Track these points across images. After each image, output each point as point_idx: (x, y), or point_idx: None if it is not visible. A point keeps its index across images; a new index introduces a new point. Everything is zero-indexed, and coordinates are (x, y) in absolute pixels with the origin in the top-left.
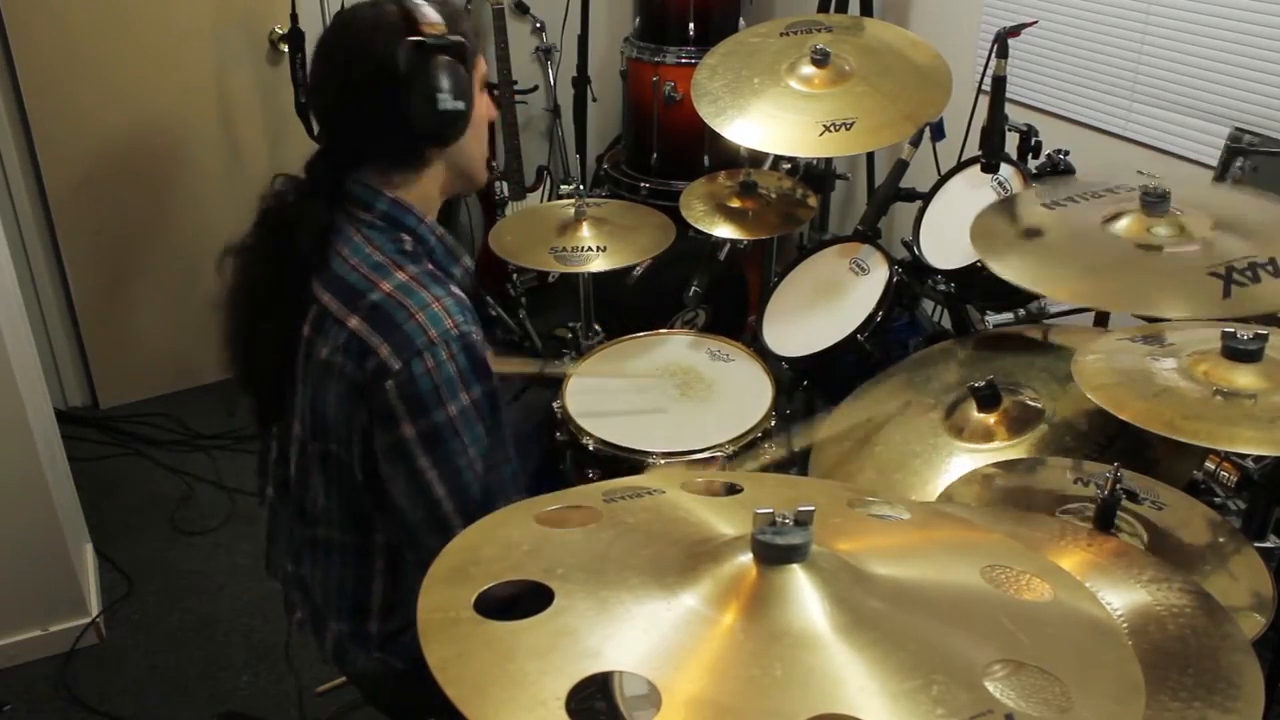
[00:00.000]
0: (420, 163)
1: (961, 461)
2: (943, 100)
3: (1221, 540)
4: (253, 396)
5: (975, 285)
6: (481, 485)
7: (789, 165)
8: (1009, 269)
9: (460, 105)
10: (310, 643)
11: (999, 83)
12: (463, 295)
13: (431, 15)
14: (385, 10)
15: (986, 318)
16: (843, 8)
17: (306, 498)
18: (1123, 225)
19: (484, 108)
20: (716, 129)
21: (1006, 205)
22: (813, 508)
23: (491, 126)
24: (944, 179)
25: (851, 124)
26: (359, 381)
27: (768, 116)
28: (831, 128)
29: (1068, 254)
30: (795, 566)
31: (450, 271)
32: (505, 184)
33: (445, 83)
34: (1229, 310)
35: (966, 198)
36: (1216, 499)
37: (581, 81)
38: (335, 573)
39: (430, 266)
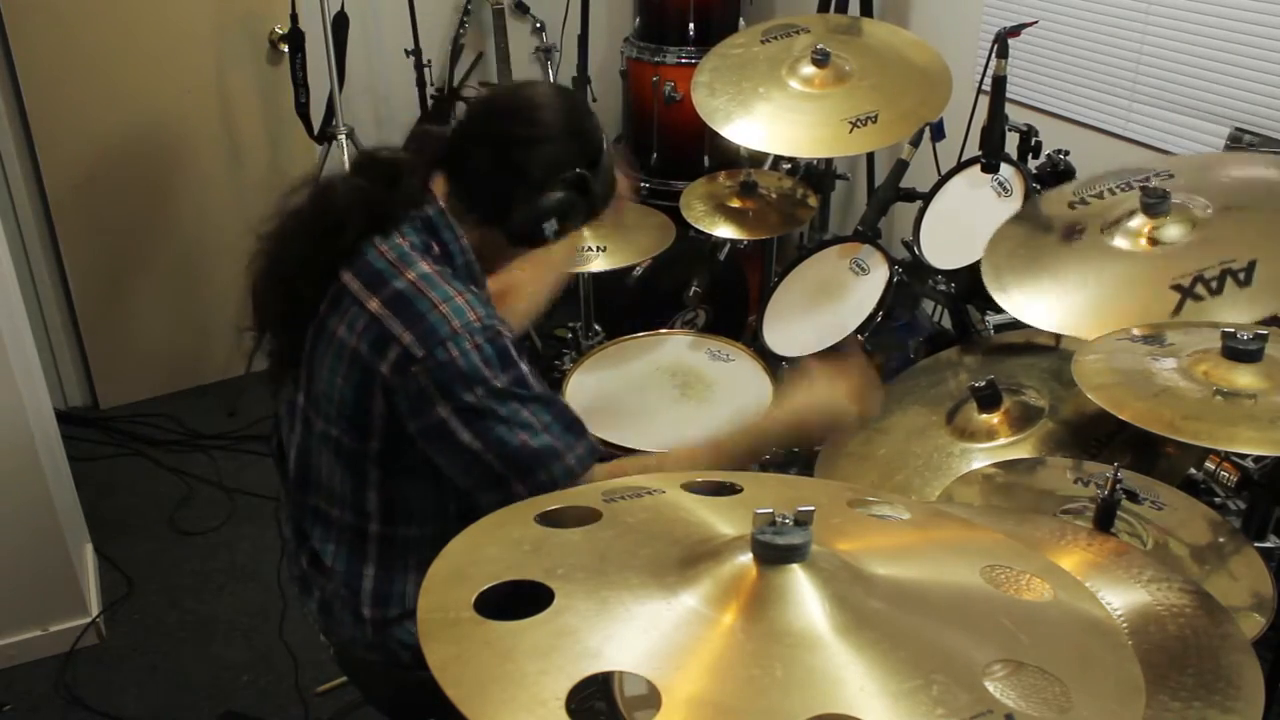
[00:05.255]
0: (479, 222)
1: (963, 462)
2: (945, 87)
3: (1221, 540)
4: (276, 336)
5: (975, 285)
6: (529, 451)
7: (789, 165)
8: (1014, 306)
9: (549, 237)
10: (312, 642)
11: (999, 83)
12: (485, 295)
13: (604, 168)
14: (593, 133)
15: (986, 317)
16: (842, 9)
17: (311, 469)
18: (1122, 235)
19: (555, 251)
20: (745, 144)
21: (1031, 216)
22: (813, 508)
23: None
24: (944, 179)
25: (876, 116)
26: (377, 370)
27: (789, 122)
28: (858, 123)
29: (1064, 277)
30: (795, 566)
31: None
32: None
33: (566, 219)
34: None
35: (967, 198)
36: (1216, 499)
37: (581, 81)
38: (332, 548)
39: (450, 271)
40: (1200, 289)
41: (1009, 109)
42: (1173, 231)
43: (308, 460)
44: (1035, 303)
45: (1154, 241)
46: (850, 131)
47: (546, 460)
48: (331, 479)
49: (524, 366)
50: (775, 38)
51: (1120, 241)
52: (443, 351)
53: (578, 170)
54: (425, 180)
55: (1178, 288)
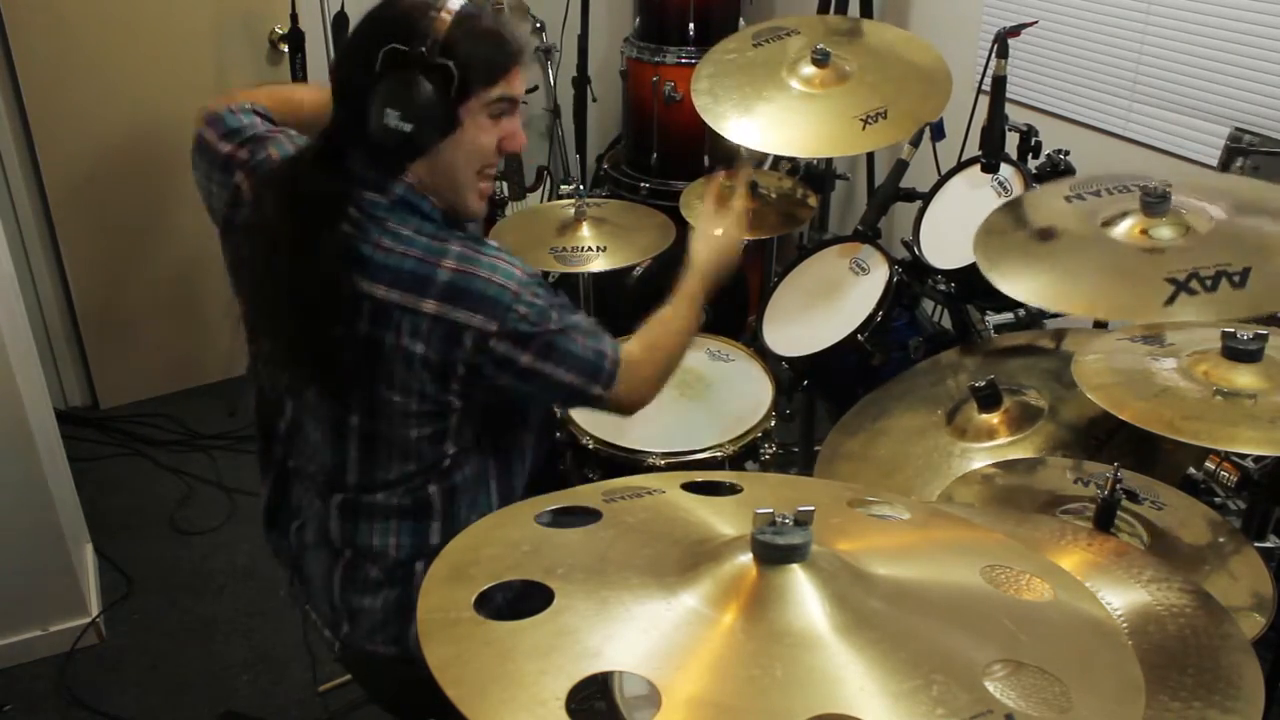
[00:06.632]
0: (397, 165)
1: (963, 462)
2: (946, 83)
3: (1221, 540)
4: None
5: (975, 285)
6: (600, 353)
7: (789, 165)
8: (1001, 278)
9: (405, 127)
10: (312, 641)
11: (999, 83)
12: None
13: (433, 28)
14: (400, 9)
15: (986, 317)
16: (842, 9)
17: (358, 473)
18: (1122, 228)
19: (477, 133)
20: (756, 147)
21: (1013, 209)
22: (813, 508)
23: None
24: (944, 179)
25: (885, 112)
26: (456, 361)
27: (796, 123)
28: (869, 119)
29: (1058, 262)
30: (795, 566)
31: None
32: (505, 184)
33: (399, 100)
34: (1166, 316)
35: (966, 198)
36: (1216, 499)
37: (581, 81)
38: (393, 538)
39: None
40: (1195, 284)
41: (1009, 109)
42: (1169, 233)
43: (350, 463)
44: (1030, 283)
45: (1150, 238)
46: (864, 129)
47: (603, 356)
48: (391, 474)
49: (561, 296)
50: (766, 41)
51: (1117, 234)
52: (513, 315)
53: (388, 48)
54: (341, 149)
55: (1172, 280)
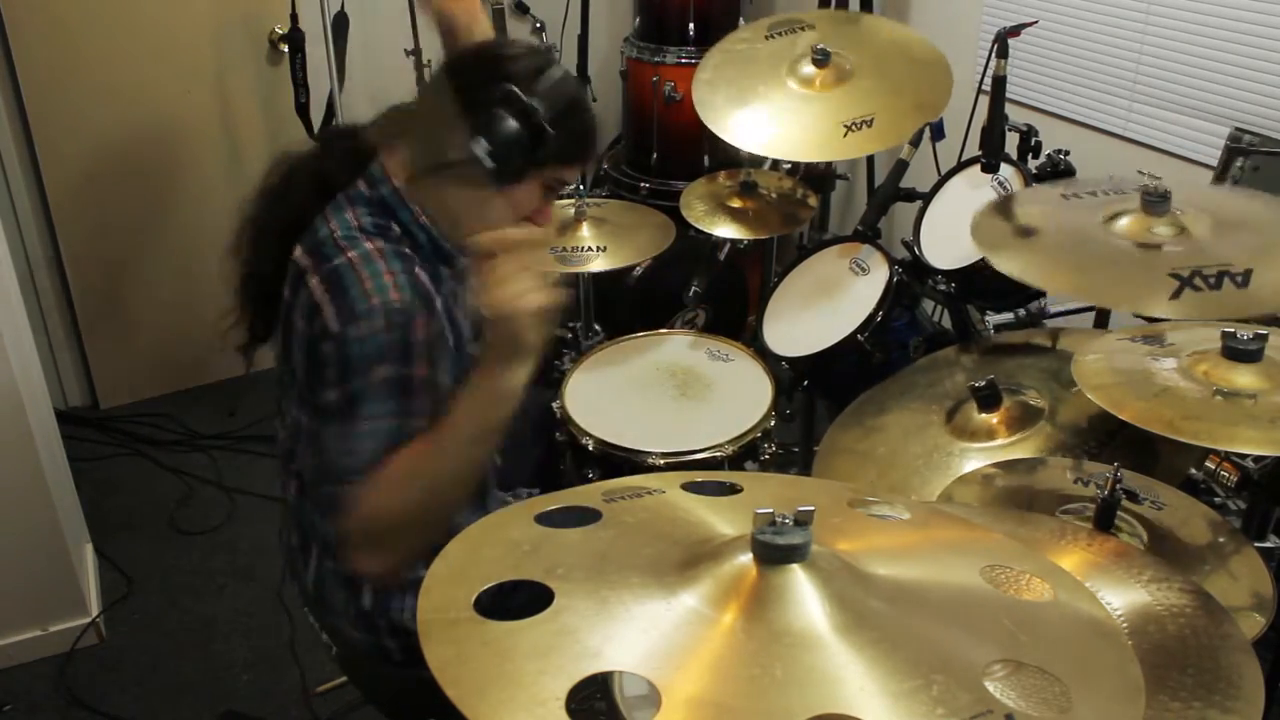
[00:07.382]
0: (427, 178)
1: (962, 461)
2: (946, 84)
3: (1221, 540)
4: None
5: (975, 285)
6: (364, 461)
7: (789, 165)
8: (1002, 261)
9: (486, 162)
10: (312, 641)
11: (999, 83)
12: (426, 281)
13: (549, 89)
14: (521, 51)
15: (986, 318)
16: (843, 8)
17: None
18: (1123, 224)
19: (524, 197)
20: (740, 145)
21: (1004, 204)
22: (813, 508)
23: None
24: (944, 179)
25: (871, 120)
26: (309, 337)
27: (785, 124)
28: (854, 126)
29: (1059, 248)
30: (795, 566)
31: (435, 271)
32: None
33: (495, 136)
34: (1172, 311)
35: (966, 198)
36: (1216, 499)
37: (581, 82)
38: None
39: (406, 250)
40: (1199, 281)
41: (1009, 109)
42: (1169, 232)
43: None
44: (1032, 269)
45: (1152, 234)
46: (845, 135)
47: (360, 461)
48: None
49: (422, 368)
50: (780, 34)
51: (1119, 229)
52: (354, 329)
53: (507, 86)
54: (374, 147)
55: (1176, 276)
